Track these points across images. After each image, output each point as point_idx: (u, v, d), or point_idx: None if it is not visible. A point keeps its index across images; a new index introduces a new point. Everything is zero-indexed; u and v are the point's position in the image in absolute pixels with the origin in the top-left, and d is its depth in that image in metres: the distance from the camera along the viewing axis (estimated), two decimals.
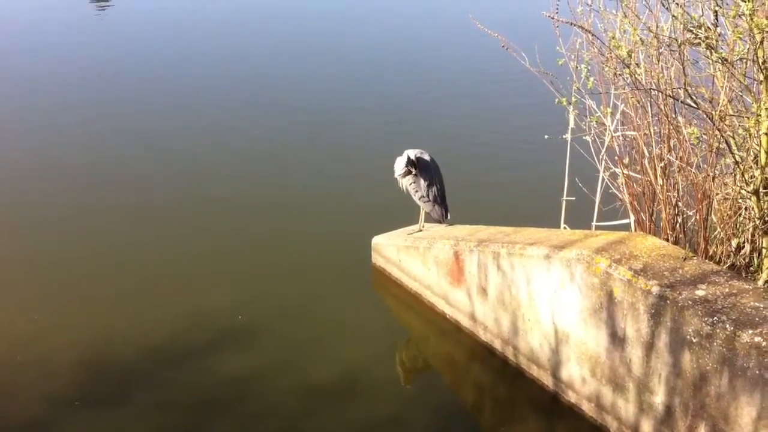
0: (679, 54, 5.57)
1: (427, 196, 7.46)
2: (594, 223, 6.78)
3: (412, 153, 7.42)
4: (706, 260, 5.58)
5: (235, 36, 16.82)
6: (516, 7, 17.93)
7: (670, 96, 5.80)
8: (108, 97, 12.85)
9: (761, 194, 5.50)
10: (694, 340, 4.84)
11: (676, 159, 6.01)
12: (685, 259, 5.42)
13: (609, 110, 6.50)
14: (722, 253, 5.97)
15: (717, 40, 5.55)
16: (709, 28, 5.56)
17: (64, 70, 14.31)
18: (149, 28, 17.55)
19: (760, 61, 5.22)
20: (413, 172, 7.44)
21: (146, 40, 16.65)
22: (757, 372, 4.48)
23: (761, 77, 5.33)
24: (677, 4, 5.65)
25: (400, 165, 7.48)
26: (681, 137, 5.94)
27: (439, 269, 7.14)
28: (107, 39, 16.59)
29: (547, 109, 7.83)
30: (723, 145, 5.65)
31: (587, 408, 5.89)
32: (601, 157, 6.66)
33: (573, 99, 6.61)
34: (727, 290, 5.03)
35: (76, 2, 19.59)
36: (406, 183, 7.50)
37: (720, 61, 5.48)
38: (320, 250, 8.31)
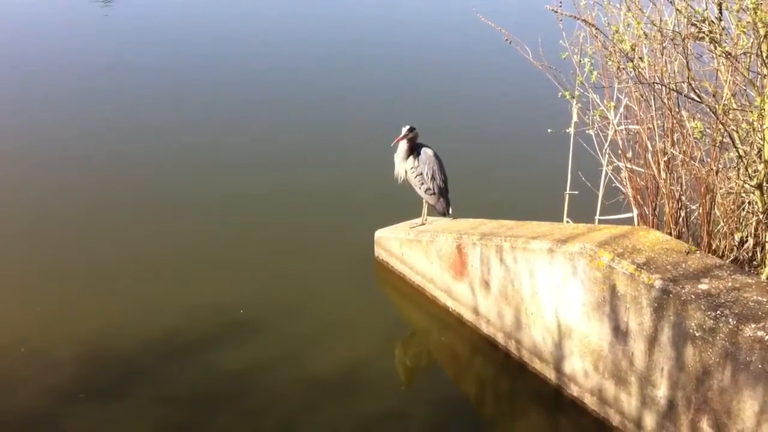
0: (683, 48, 5.56)
1: (432, 188, 7.45)
2: (597, 217, 6.78)
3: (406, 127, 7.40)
4: (709, 254, 5.58)
5: (235, 32, 16.80)
6: (519, 0, 17.90)
7: (673, 90, 5.80)
8: (110, 94, 12.85)
9: (765, 188, 5.50)
10: (697, 334, 4.84)
11: (680, 153, 6.01)
12: (688, 253, 5.42)
13: (612, 104, 6.49)
14: (725, 247, 5.97)
15: (721, 34, 5.55)
16: (712, 22, 5.55)
17: (66, 65, 14.30)
18: (151, 23, 17.55)
19: (764, 55, 5.21)
20: (413, 148, 7.41)
21: (147, 36, 16.64)
22: (760, 366, 4.48)
23: (765, 71, 5.32)
24: None
25: (400, 150, 7.46)
26: (684, 131, 5.93)
27: (442, 263, 7.14)
28: (111, 34, 16.57)
29: (550, 103, 7.82)
30: (726, 139, 5.65)
31: (590, 401, 5.90)
32: (604, 150, 6.66)
33: (576, 93, 6.61)
34: (730, 284, 5.03)
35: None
36: (411, 176, 7.49)
37: (724, 55, 5.47)
38: (323, 243, 8.31)
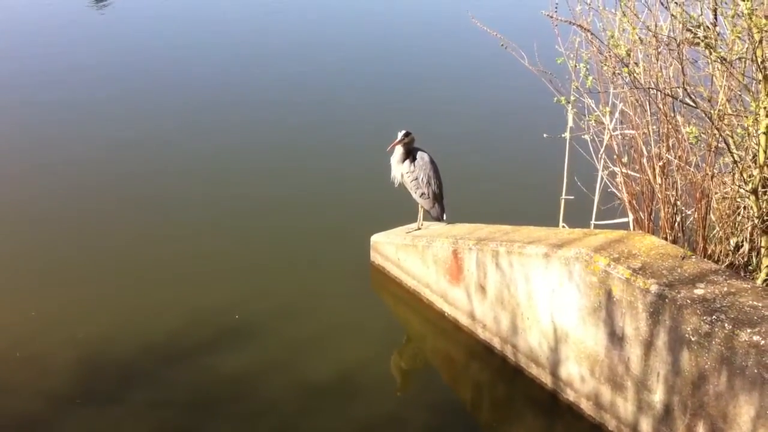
0: (678, 53, 5.58)
1: (428, 193, 7.46)
2: (593, 222, 6.79)
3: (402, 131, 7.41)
4: (705, 259, 5.59)
5: (231, 33, 16.78)
6: (515, 6, 17.93)
7: (668, 95, 5.81)
8: (111, 94, 12.82)
9: (760, 193, 5.50)
10: (693, 339, 4.85)
11: (675, 158, 6.02)
12: (683, 258, 5.43)
13: (608, 109, 6.50)
14: (721, 252, 5.98)
15: (716, 40, 5.56)
16: (707, 27, 5.57)
17: (65, 67, 14.28)
18: (149, 25, 17.53)
19: (759, 60, 5.23)
20: (409, 152, 7.43)
21: (146, 37, 16.62)
22: (756, 371, 4.49)
23: (760, 76, 5.33)
24: (676, 3, 5.65)
25: (396, 154, 7.48)
26: (680, 136, 5.95)
27: (438, 267, 7.15)
28: (107, 35, 16.56)
29: (545, 108, 7.84)
30: (722, 144, 5.66)
31: (586, 406, 5.90)
32: (599, 156, 6.66)
33: (572, 98, 6.61)
34: (725, 289, 5.04)
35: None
36: (407, 180, 7.50)
37: (719, 60, 5.48)
38: (319, 248, 8.31)
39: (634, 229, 6.36)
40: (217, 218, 8.94)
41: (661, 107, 5.96)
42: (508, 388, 6.52)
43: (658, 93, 5.90)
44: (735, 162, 5.59)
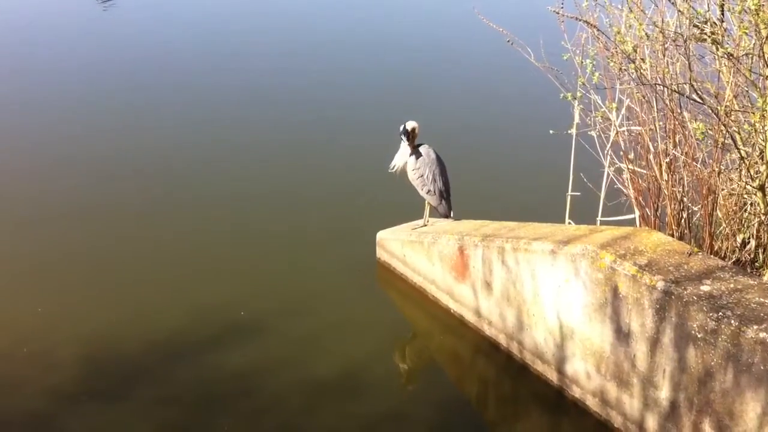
0: (685, 49, 5.57)
1: (433, 190, 7.45)
2: (599, 219, 6.78)
3: (409, 125, 7.42)
4: (711, 256, 5.57)
5: (237, 32, 16.78)
6: (521, 2, 17.89)
7: (675, 91, 5.79)
8: (112, 94, 12.83)
9: (767, 190, 5.49)
10: (699, 336, 4.83)
11: (682, 154, 6.00)
12: (690, 254, 5.42)
13: (614, 105, 6.49)
14: (727, 248, 5.96)
15: (723, 36, 5.55)
16: (714, 23, 5.55)
17: (68, 66, 14.30)
18: (153, 24, 17.55)
19: (766, 56, 5.21)
20: (416, 149, 7.44)
21: (149, 36, 16.63)
22: (762, 368, 4.48)
23: (767, 72, 5.32)
24: None
25: (401, 156, 7.49)
26: (686, 132, 5.93)
27: (444, 264, 7.14)
28: (111, 34, 16.58)
29: (551, 104, 7.82)
30: (728, 141, 5.65)
31: (592, 403, 5.89)
32: (606, 152, 6.65)
33: (578, 94, 6.60)
34: (732, 286, 5.03)
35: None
36: (413, 177, 7.49)
37: (726, 56, 5.47)
38: (324, 244, 8.31)
39: (640, 226, 6.35)
40: (223, 215, 8.95)
41: (668, 103, 5.95)
42: (513, 385, 6.51)
43: (665, 89, 5.89)
44: (742, 158, 5.58)
